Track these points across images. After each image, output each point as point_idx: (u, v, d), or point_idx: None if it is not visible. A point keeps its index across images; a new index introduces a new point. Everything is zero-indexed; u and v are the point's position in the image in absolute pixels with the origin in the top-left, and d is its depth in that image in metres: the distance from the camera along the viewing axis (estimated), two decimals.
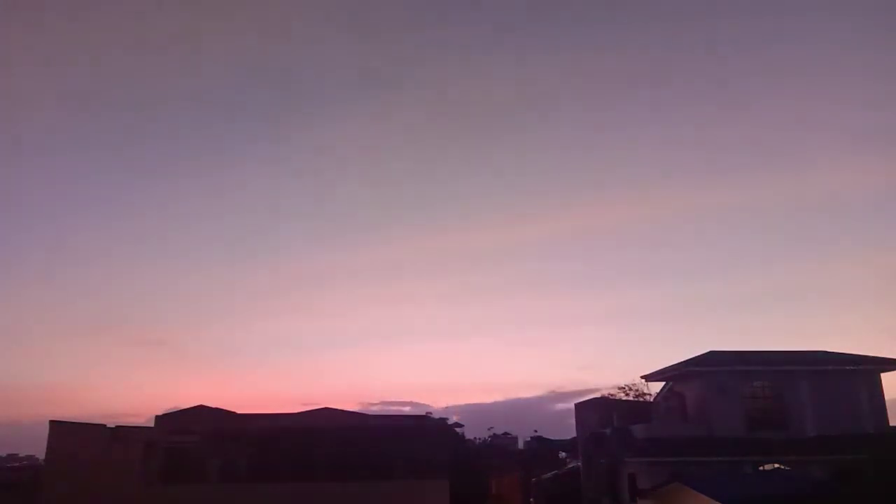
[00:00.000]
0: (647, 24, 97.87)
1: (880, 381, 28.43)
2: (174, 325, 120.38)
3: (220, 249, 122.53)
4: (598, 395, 40.83)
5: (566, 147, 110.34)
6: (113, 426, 27.10)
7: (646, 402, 38.30)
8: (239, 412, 29.88)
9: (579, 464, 34.24)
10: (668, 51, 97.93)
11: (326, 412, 30.55)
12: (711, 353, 29.84)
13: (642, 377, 33.74)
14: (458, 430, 36.63)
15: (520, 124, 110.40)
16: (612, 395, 43.37)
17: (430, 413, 42.05)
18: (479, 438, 54.44)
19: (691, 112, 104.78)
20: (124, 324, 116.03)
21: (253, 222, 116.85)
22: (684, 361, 29.28)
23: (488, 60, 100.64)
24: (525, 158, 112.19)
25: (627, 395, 43.36)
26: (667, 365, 30.38)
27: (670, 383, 31.60)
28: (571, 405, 37.01)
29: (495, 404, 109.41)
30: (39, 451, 32.90)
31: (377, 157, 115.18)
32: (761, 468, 24.30)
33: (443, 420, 37.11)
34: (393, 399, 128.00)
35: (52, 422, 26.13)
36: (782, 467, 24.62)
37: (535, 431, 60.23)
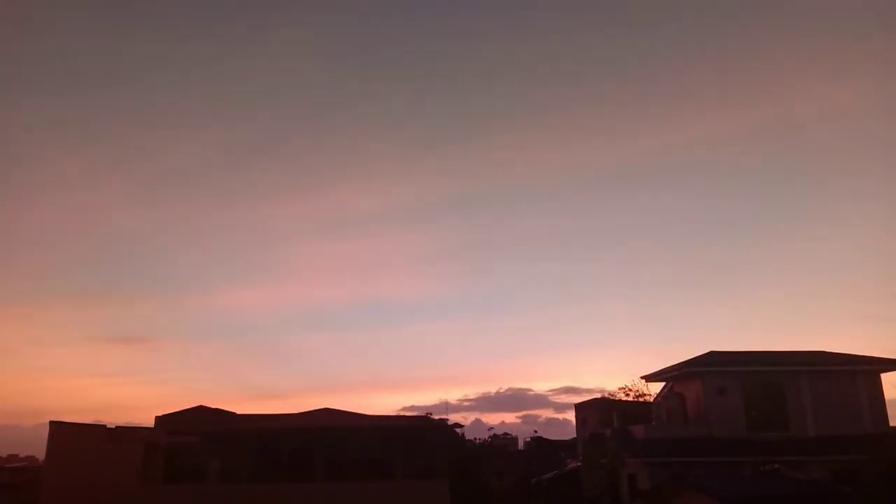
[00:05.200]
0: None
1: (880, 381, 28.44)
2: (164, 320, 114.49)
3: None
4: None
5: None
6: (113, 426, 27.14)
7: (646, 403, 38.38)
8: (239, 412, 29.98)
9: (579, 464, 34.27)
10: None
11: (326, 412, 30.64)
12: (711, 353, 29.86)
13: (642, 377, 33.79)
14: (457, 430, 36.66)
15: None
16: (612, 395, 43.50)
17: (430, 413, 42.07)
18: (479, 439, 54.44)
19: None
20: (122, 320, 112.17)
21: None
22: (684, 362, 29.29)
23: None
24: None
25: (627, 395, 43.49)
26: (667, 365, 30.44)
27: (670, 384, 31.62)
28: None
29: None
30: (39, 452, 32.99)
31: None
32: (761, 468, 24.27)
33: (442, 420, 37.11)
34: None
35: (52, 422, 26.14)
36: (782, 467, 24.58)
37: (535, 432, 60.35)
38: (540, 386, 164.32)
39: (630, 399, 42.51)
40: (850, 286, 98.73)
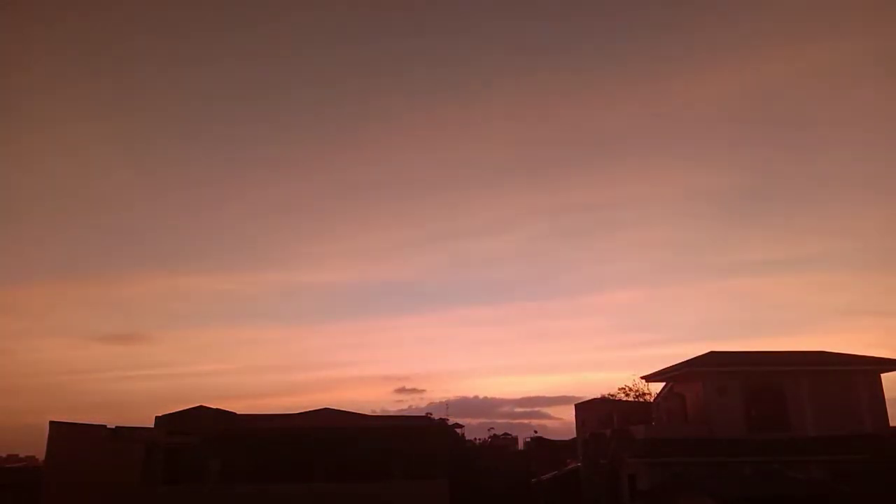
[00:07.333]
0: None
1: (880, 381, 28.41)
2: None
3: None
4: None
5: None
6: (113, 426, 27.10)
7: (646, 403, 38.41)
8: (239, 412, 29.99)
9: (579, 464, 34.28)
10: None
11: (326, 412, 30.63)
12: (711, 353, 29.84)
13: (642, 377, 33.79)
14: (457, 430, 36.69)
15: None
16: (612, 395, 43.53)
17: (430, 414, 42.10)
18: (479, 439, 54.53)
19: None
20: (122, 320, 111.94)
21: None
22: (684, 362, 29.26)
23: None
24: None
25: (627, 395, 43.52)
26: (667, 366, 30.42)
27: (670, 384, 31.61)
28: None
29: None
30: (39, 452, 32.95)
31: None
32: (761, 468, 24.28)
33: (442, 420, 37.15)
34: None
35: (52, 422, 26.08)
36: (782, 467, 24.59)
37: (535, 432, 60.44)
38: (498, 391, 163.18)
39: (630, 399, 42.55)
40: (849, 284, 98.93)
